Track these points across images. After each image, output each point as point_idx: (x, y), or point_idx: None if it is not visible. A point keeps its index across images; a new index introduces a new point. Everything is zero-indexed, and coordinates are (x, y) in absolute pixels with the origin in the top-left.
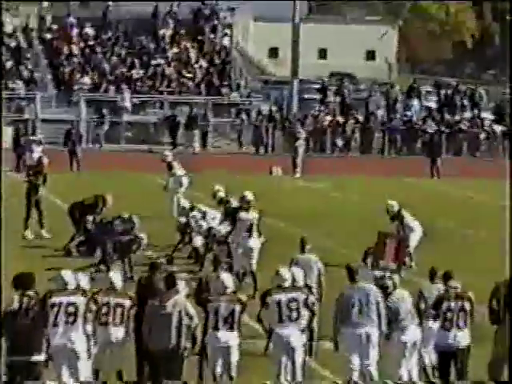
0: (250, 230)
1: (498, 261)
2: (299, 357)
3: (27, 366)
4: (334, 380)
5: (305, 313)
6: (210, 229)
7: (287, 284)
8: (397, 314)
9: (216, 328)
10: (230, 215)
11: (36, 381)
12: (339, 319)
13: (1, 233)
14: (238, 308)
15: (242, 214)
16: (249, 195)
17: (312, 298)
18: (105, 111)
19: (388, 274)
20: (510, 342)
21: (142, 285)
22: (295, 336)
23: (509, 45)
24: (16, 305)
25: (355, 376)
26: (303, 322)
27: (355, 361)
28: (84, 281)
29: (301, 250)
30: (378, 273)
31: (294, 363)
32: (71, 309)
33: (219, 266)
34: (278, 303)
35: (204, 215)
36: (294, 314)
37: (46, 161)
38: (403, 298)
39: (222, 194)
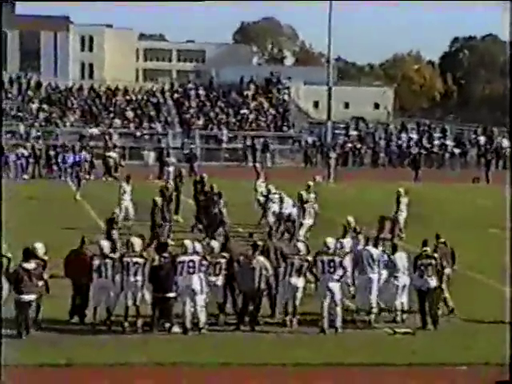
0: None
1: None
2: (338, 297)
3: (163, 300)
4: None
5: (340, 269)
6: (280, 212)
7: (330, 250)
8: (395, 266)
9: (290, 275)
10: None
11: (169, 309)
12: (355, 269)
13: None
14: (305, 264)
15: (306, 205)
16: (304, 194)
17: (344, 261)
18: (211, 142)
19: (387, 241)
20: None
21: (229, 249)
22: (333, 283)
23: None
24: (156, 262)
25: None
26: (338, 274)
27: (359, 295)
28: (199, 247)
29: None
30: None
31: (334, 300)
32: (191, 264)
33: (294, 237)
34: (322, 262)
35: (280, 200)
36: (332, 269)
37: (184, 172)
38: (400, 257)
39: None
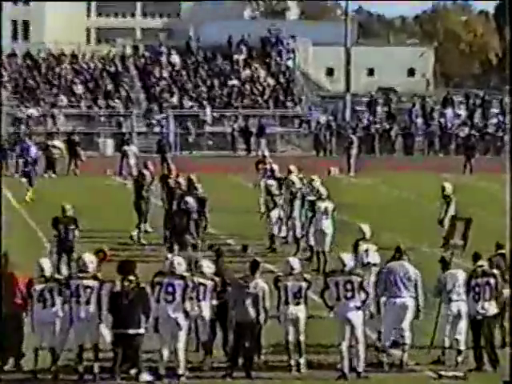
0: (326, 215)
1: None
2: (359, 330)
3: (127, 338)
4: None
5: (360, 293)
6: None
7: (347, 268)
8: (444, 287)
9: (286, 303)
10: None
11: (135, 350)
12: (382, 289)
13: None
14: (304, 285)
15: (319, 203)
16: (322, 189)
17: (365, 282)
18: (189, 124)
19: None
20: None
21: (221, 269)
22: (352, 312)
23: None
24: (118, 288)
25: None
26: (359, 301)
27: (388, 327)
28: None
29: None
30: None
31: (354, 335)
32: (170, 289)
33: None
34: (336, 284)
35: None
36: (349, 294)
37: (151, 167)
38: (453, 276)
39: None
